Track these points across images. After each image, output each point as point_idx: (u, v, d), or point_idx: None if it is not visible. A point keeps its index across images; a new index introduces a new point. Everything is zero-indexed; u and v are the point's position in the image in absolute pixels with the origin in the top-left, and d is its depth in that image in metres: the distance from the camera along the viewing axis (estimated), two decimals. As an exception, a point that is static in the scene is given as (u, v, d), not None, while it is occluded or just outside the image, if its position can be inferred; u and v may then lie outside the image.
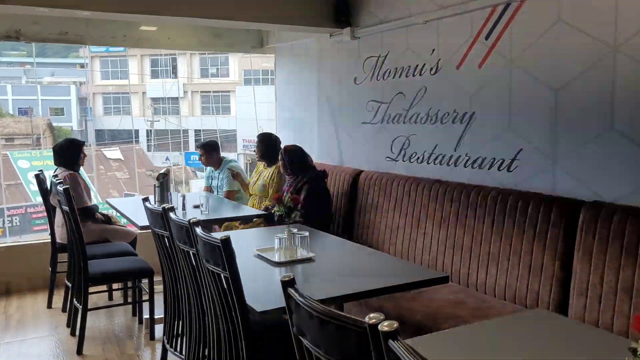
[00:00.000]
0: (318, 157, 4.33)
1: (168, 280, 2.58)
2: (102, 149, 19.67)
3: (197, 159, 4.65)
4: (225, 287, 1.79)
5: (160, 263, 2.60)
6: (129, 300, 3.70)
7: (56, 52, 30.45)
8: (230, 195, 4.39)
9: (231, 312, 1.81)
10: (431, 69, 3.20)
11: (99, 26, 4.24)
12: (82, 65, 28.49)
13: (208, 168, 4.67)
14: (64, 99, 25.29)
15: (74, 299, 3.25)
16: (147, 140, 22.21)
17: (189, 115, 22.56)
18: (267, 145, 4.22)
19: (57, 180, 3.32)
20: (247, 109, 18.13)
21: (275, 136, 4.34)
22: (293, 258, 2.31)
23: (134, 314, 3.60)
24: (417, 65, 3.31)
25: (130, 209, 3.70)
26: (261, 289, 2.03)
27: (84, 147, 3.79)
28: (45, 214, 3.85)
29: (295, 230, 2.39)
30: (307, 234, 2.36)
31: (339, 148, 4.17)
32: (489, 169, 2.85)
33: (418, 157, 3.36)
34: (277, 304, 1.83)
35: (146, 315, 3.34)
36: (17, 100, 24.15)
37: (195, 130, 22.15)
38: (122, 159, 19.42)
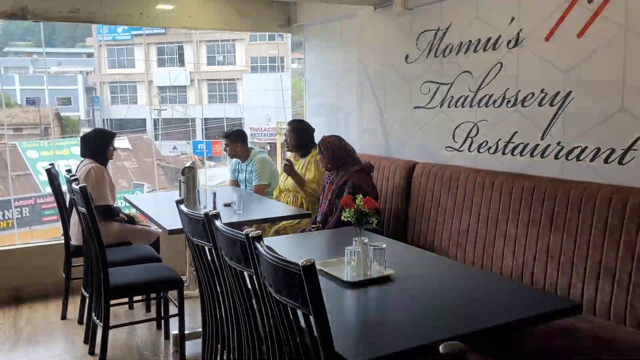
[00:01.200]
0: (358, 147, 3.82)
1: (208, 299, 2.13)
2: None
3: (223, 148, 4.19)
4: (303, 325, 1.32)
5: (198, 278, 2.16)
6: (152, 310, 3.30)
7: (63, 42, 30.06)
8: (260, 189, 3.94)
9: (307, 352, 1.36)
10: (509, 41, 2.69)
11: (113, 3, 3.77)
12: (88, 55, 28.13)
13: (233, 160, 4.22)
14: (71, 89, 25.00)
15: (93, 314, 2.83)
16: (155, 129, 21.88)
17: (196, 104, 22.14)
18: (301, 135, 3.76)
19: (71, 176, 2.87)
20: (254, 96, 17.61)
21: (307, 122, 3.88)
22: (367, 276, 1.85)
23: (158, 327, 3.18)
24: (490, 38, 2.80)
25: (151, 206, 3.28)
26: (339, 321, 1.56)
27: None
28: (55, 204, 3.41)
29: (366, 240, 1.93)
30: (384, 245, 1.89)
31: (385, 137, 3.68)
32: (590, 161, 2.35)
33: (490, 147, 2.86)
34: (373, 350, 1.37)
35: (174, 331, 2.91)
36: (25, 90, 23.90)
37: (205, 119, 21.79)
38: (130, 148, 19.05)
